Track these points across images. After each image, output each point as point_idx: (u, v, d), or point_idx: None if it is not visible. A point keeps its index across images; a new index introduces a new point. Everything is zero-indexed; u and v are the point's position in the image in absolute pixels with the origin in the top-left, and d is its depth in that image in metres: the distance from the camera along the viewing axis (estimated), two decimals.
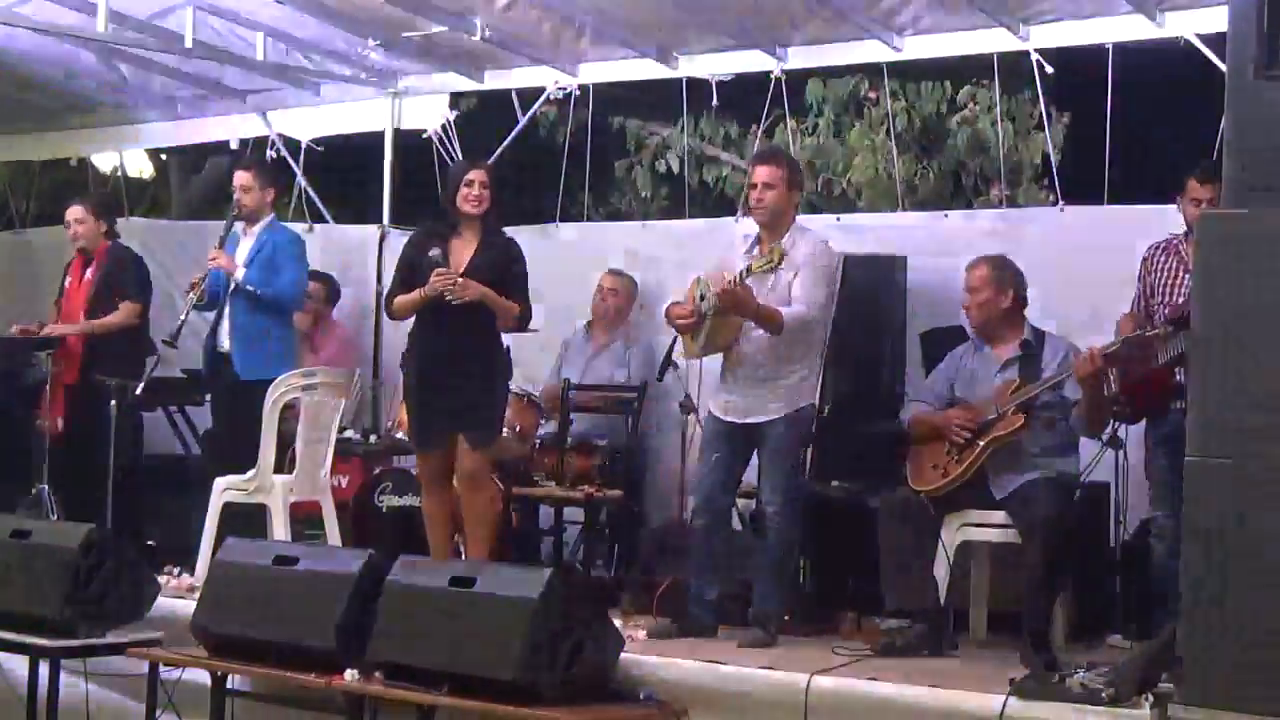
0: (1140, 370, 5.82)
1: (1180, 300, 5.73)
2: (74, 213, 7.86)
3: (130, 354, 7.57)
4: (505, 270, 6.21)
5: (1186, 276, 5.79)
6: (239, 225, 7.24)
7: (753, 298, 5.76)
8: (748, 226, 6.17)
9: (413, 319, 6.30)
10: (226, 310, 7.11)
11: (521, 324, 6.23)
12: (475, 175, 6.25)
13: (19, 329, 7.88)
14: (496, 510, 6.32)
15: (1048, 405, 5.81)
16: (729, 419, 5.98)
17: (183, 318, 7.14)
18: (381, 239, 8.80)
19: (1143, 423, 6.04)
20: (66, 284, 7.86)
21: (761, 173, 5.99)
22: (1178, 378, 5.68)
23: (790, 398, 5.89)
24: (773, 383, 5.88)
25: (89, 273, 7.75)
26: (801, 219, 6.24)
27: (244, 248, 7.21)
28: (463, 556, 6.37)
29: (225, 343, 7.11)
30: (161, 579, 6.49)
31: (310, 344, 8.09)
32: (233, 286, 7.05)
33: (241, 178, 7.27)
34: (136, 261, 7.89)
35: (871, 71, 9.40)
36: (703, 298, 5.91)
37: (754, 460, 6.08)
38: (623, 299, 7.66)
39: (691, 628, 5.94)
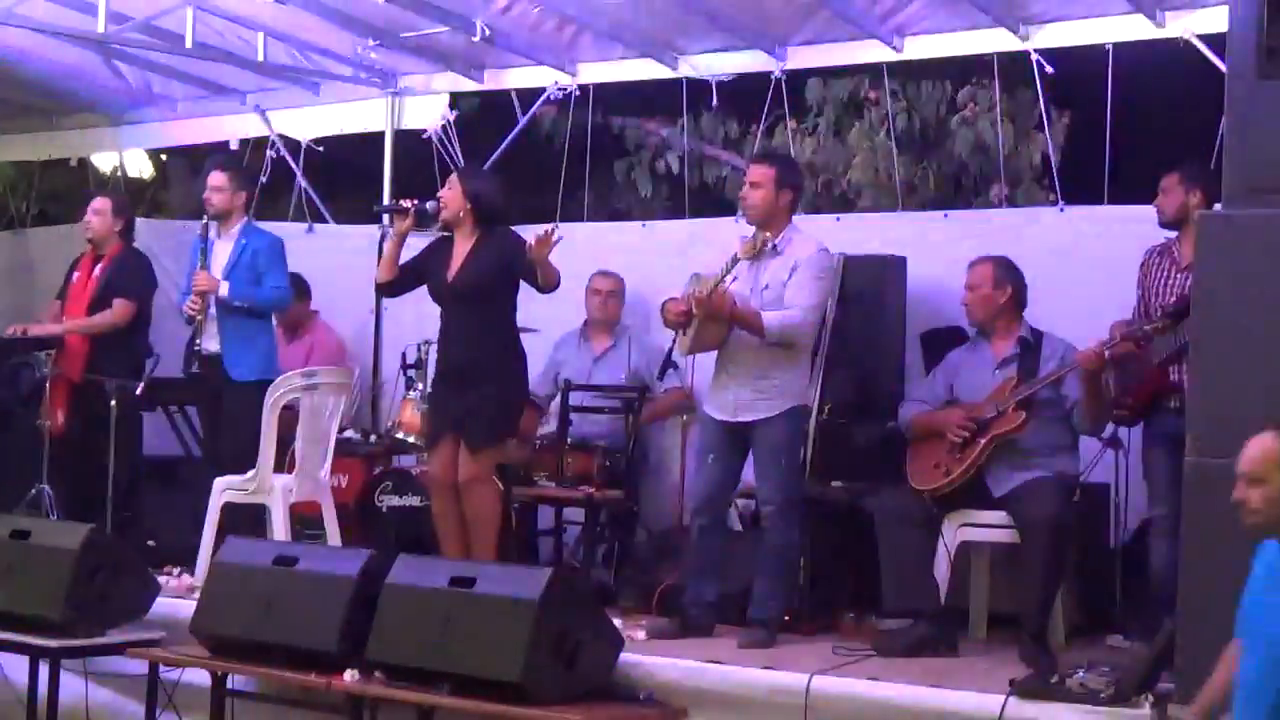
0: (1137, 370, 5.84)
1: (1173, 299, 5.75)
2: (97, 204, 7.84)
3: (128, 353, 7.58)
4: (508, 262, 6.22)
5: (1179, 275, 5.83)
6: (213, 227, 7.24)
7: (729, 303, 5.78)
8: (747, 228, 6.19)
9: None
10: (212, 314, 7.12)
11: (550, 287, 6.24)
12: (448, 180, 6.52)
13: (15, 329, 7.88)
14: (497, 514, 6.32)
15: (1048, 403, 5.82)
16: (723, 418, 5.98)
17: (196, 342, 7.16)
18: (381, 239, 8.77)
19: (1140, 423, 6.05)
20: (74, 278, 7.84)
21: (752, 172, 6.08)
22: (1173, 377, 5.70)
23: (782, 397, 5.89)
24: (765, 381, 5.89)
25: (98, 270, 7.75)
26: (799, 220, 6.26)
27: (222, 252, 7.21)
28: None
29: (213, 345, 7.11)
30: (161, 579, 6.49)
31: (292, 350, 8.05)
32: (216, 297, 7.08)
33: (215, 178, 7.27)
34: (143, 264, 7.86)
35: (871, 71, 9.38)
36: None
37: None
38: (618, 299, 7.64)
39: (691, 628, 5.94)
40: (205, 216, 7.28)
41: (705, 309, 5.77)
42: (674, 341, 6.22)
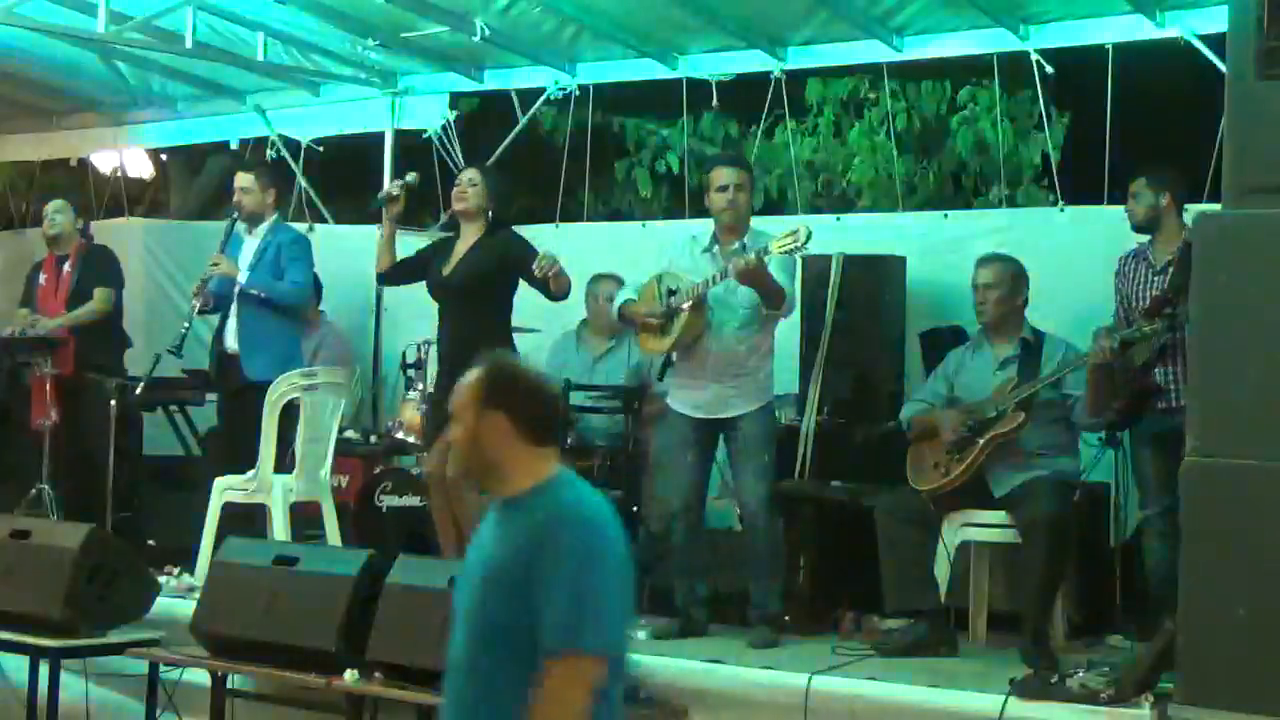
0: (1121, 375, 5.84)
1: (1149, 301, 5.79)
2: (55, 206, 7.99)
3: (110, 343, 7.63)
4: (509, 262, 6.23)
5: (1155, 278, 5.89)
6: (242, 227, 7.27)
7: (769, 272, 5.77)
8: (694, 228, 6.21)
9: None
10: (233, 311, 7.13)
11: (561, 295, 6.28)
12: (464, 174, 6.53)
13: (14, 329, 7.90)
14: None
15: (1048, 403, 5.81)
16: (700, 415, 6.00)
17: (186, 325, 7.17)
18: None
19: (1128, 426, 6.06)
20: (40, 281, 7.92)
21: (731, 175, 6.05)
22: (1157, 378, 5.72)
23: (760, 391, 5.95)
24: (744, 376, 5.93)
25: (66, 268, 7.82)
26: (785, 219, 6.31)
27: (249, 249, 7.23)
28: None
29: (232, 344, 7.12)
30: (161, 579, 6.49)
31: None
32: (238, 289, 7.08)
33: (242, 179, 7.31)
34: (111, 255, 7.98)
35: (871, 71, 9.38)
36: (671, 293, 5.94)
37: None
38: None
39: (688, 627, 5.95)
40: (236, 215, 7.30)
41: (749, 276, 5.66)
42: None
